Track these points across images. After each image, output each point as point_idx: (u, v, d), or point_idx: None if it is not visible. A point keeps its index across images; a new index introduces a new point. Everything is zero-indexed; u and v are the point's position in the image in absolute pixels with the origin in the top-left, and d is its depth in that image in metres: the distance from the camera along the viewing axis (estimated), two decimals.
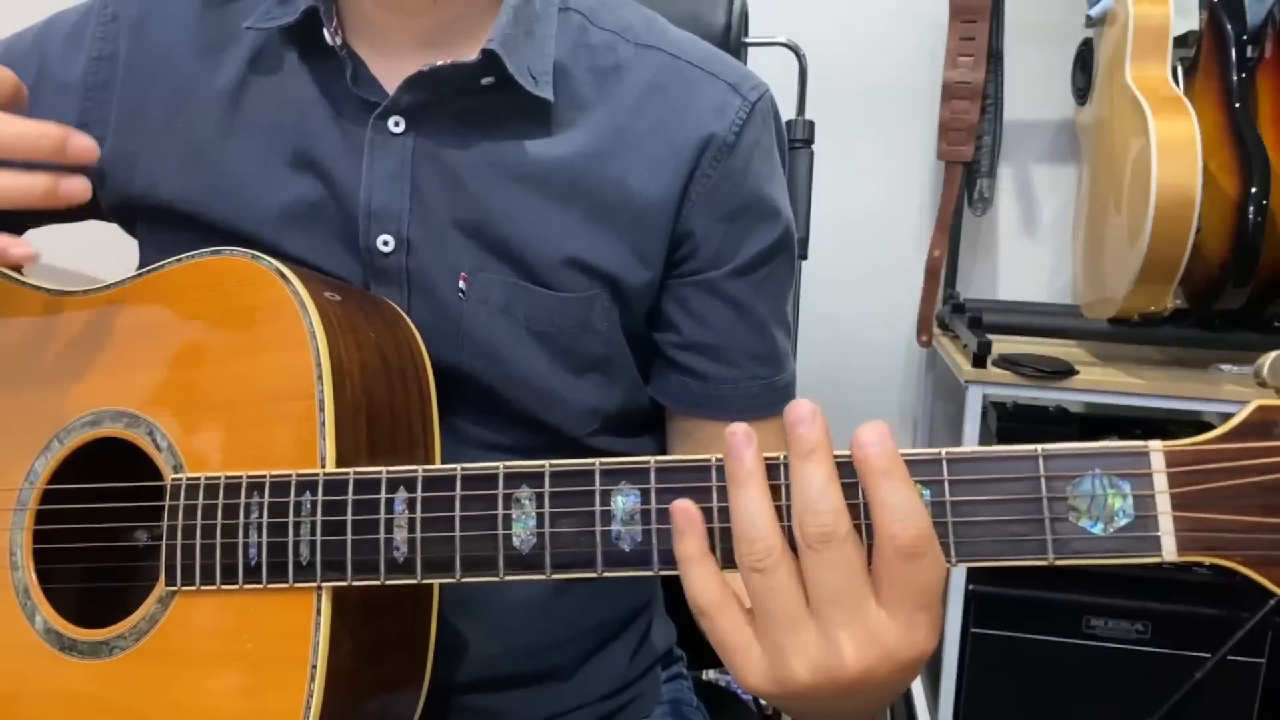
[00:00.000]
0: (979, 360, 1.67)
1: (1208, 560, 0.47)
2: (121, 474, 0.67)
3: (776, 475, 0.51)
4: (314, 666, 0.58)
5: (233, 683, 0.61)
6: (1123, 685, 1.67)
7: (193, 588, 0.62)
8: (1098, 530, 0.48)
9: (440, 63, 0.70)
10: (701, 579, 0.51)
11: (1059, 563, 0.48)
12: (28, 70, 0.77)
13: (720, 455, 0.52)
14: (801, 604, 0.49)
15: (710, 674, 1.60)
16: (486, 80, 0.71)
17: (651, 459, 0.54)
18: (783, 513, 0.51)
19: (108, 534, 0.69)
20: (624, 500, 0.54)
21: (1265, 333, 1.69)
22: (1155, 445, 0.48)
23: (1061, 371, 1.63)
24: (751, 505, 0.50)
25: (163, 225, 0.76)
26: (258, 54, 0.75)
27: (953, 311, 1.91)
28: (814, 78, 1.37)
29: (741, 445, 0.51)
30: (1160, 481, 0.48)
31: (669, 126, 0.75)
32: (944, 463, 0.50)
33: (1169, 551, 0.47)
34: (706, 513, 0.52)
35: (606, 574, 0.54)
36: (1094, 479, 0.48)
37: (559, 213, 0.73)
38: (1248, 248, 1.51)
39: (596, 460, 0.54)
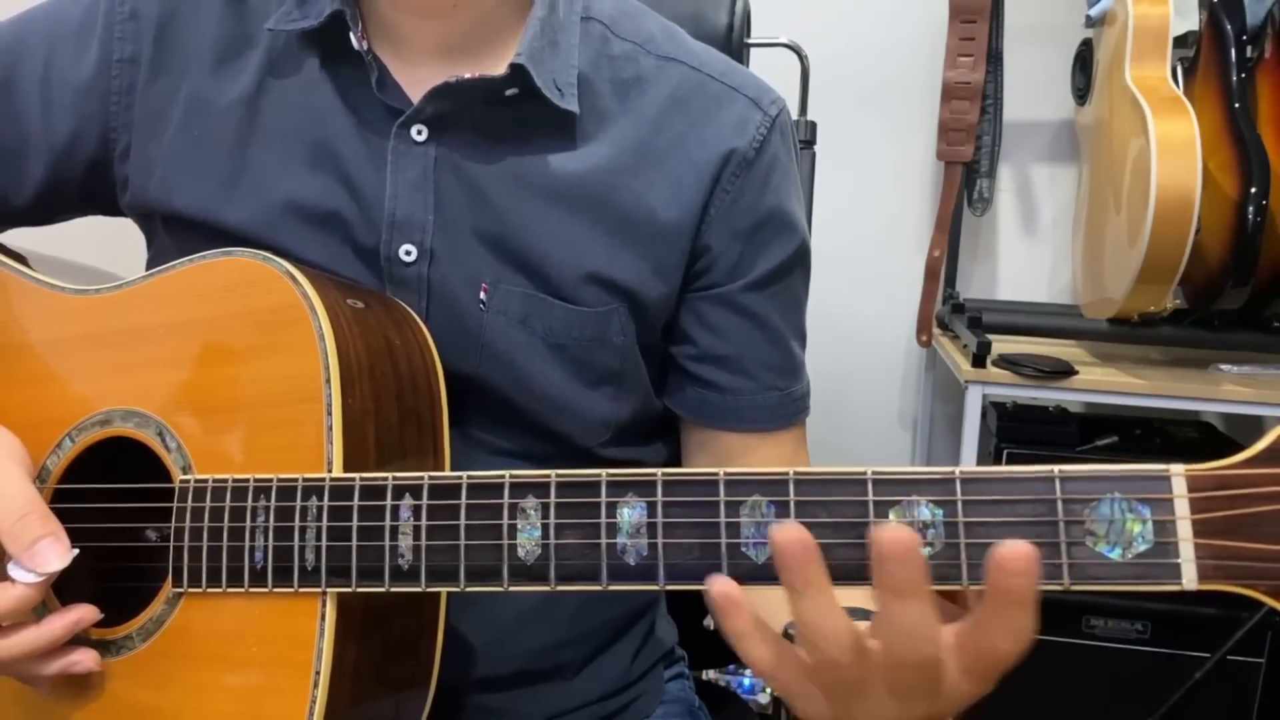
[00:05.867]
0: (979, 360, 1.66)
1: (1230, 590, 0.45)
2: (133, 472, 0.67)
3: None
4: (318, 672, 0.58)
5: (237, 686, 0.61)
6: (1123, 685, 1.67)
7: (199, 590, 0.62)
8: (1115, 555, 0.46)
9: (468, 75, 0.70)
10: (757, 651, 0.50)
11: (1074, 588, 0.47)
12: (35, 60, 0.76)
13: (729, 469, 0.51)
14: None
15: (710, 674, 1.60)
16: (511, 91, 0.71)
17: (659, 471, 0.53)
18: None
19: (118, 532, 0.69)
20: (629, 513, 0.53)
21: (1265, 333, 1.69)
22: (1177, 469, 0.46)
23: (1061, 371, 1.63)
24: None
25: (180, 230, 0.75)
26: (276, 59, 0.74)
27: (953, 311, 1.91)
28: (815, 78, 1.36)
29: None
30: (1181, 506, 0.46)
31: (690, 142, 0.75)
32: (958, 482, 0.48)
33: (1189, 579, 0.46)
34: (714, 528, 0.51)
35: (611, 587, 0.53)
36: (1113, 502, 0.47)
37: (580, 228, 0.73)
38: (1247, 248, 1.51)
39: (603, 471, 0.54)
